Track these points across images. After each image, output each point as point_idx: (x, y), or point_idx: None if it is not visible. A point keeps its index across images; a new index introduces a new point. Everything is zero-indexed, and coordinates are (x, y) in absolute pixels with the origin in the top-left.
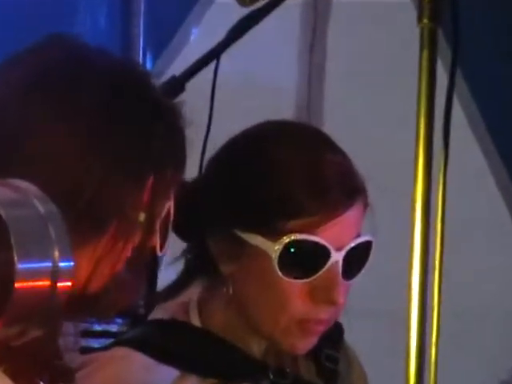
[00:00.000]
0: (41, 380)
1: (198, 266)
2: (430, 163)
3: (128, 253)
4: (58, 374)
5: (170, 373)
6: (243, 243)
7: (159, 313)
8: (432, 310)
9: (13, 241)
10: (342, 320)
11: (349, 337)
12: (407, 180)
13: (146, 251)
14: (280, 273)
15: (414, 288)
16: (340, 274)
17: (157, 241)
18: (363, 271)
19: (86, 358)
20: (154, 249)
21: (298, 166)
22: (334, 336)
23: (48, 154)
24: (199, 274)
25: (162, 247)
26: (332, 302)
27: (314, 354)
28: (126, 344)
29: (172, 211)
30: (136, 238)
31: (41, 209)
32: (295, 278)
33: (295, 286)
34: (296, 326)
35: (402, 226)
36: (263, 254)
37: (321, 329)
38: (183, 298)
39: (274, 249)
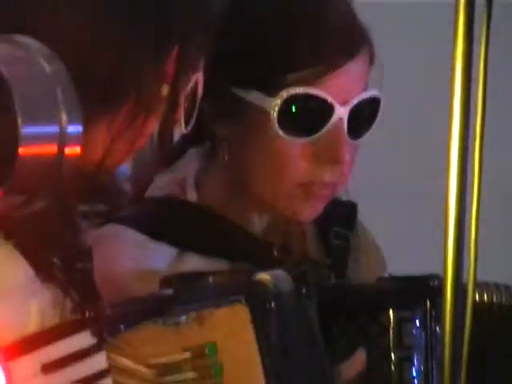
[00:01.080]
0: (56, 258)
1: (192, 132)
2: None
3: (150, 129)
4: (74, 253)
5: (167, 251)
6: (240, 101)
7: (154, 191)
8: (472, 187)
9: (16, 102)
10: (373, 202)
11: (378, 219)
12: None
13: (169, 127)
14: (280, 131)
15: (453, 161)
16: (345, 132)
17: (181, 116)
18: (393, 155)
19: None
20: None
21: (297, 15)
22: (345, 215)
23: (52, 28)
24: (194, 142)
25: (187, 123)
26: (337, 161)
27: (323, 233)
28: (118, 222)
29: (201, 84)
30: (159, 113)
31: (47, 67)
32: (296, 136)
33: (296, 147)
34: (299, 190)
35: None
36: (261, 112)
37: (326, 193)
38: (179, 174)
39: (273, 104)
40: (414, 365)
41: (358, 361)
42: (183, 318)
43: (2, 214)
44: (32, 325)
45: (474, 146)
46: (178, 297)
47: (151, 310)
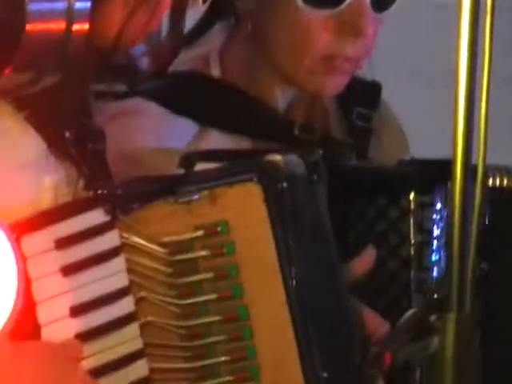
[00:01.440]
0: (69, 133)
1: (215, 7)
2: None
3: (165, 6)
4: (85, 132)
5: (188, 126)
6: None
7: (178, 67)
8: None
9: None
10: (387, 80)
11: (393, 97)
12: None
13: (186, 5)
14: (302, 3)
15: (463, 43)
16: (368, 4)
17: None
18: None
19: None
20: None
21: None
22: (368, 94)
23: None
24: (218, 18)
25: None
26: (359, 33)
27: (346, 113)
28: (139, 95)
29: None
30: None
31: None
32: (319, 7)
33: (319, 19)
34: (321, 63)
35: None
36: None
37: (349, 67)
38: (203, 50)
39: None
40: (433, 250)
41: (367, 258)
42: (195, 196)
43: (12, 91)
44: (45, 200)
45: (484, 23)
46: (190, 175)
47: (163, 188)
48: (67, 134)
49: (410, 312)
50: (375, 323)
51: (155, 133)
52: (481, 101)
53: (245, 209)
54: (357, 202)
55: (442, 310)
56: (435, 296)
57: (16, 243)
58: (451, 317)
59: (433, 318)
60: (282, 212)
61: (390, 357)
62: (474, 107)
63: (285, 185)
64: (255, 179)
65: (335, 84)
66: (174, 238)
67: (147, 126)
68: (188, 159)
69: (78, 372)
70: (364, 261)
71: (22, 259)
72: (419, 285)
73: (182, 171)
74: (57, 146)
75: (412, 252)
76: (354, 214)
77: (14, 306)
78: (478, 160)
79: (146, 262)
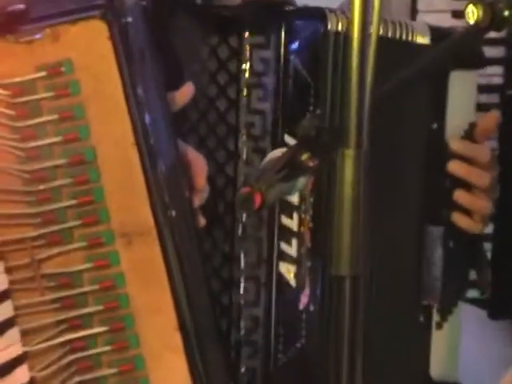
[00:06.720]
0: None
1: None
2: None
3: None
4: None
5: None
6: None
7: None
8: None
9: None
10: None
11: None
12: None
13: None
14: None
15: None
16: None
17: None
18: None
19: None
20: None
21: None
22: None
23: None
24: None
25: None
26: None
27: None
28: None
29: None
30: None
31: None
32: None
33: None
34: None
35: None
36: None
37: None
38: None
39: None
40: (264, 91)
41: (186, 90)
42: (37, 35)
43: None
44: None
45: None
46: (30, 11)
47: (1, 25)
48: None
49: (279, 151)
50: (198, 164)
51: None
52: None
53: (89, 47)
54: (191, 42)
55: (313, 150)
56: (307, 135)
57: None
58: (350, 153)
59: (304, 157)
60: (128, 48)
61: (260, 197)
62: None
63: (129, 19)
64: (98, 15)
65: None
66: (15, 79)
67: None
68: None
69: None
70: (184, 92)
71: None
72: (247, 129)
73: (20, 6)
74: None
75: (243, 94)
76: (188, 54)
77: None
78: None
79: None
